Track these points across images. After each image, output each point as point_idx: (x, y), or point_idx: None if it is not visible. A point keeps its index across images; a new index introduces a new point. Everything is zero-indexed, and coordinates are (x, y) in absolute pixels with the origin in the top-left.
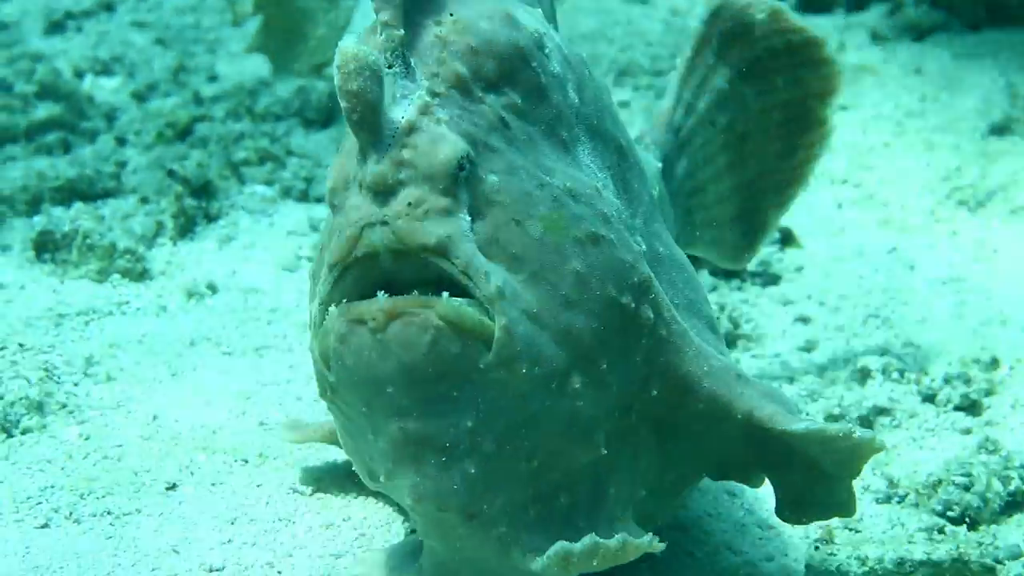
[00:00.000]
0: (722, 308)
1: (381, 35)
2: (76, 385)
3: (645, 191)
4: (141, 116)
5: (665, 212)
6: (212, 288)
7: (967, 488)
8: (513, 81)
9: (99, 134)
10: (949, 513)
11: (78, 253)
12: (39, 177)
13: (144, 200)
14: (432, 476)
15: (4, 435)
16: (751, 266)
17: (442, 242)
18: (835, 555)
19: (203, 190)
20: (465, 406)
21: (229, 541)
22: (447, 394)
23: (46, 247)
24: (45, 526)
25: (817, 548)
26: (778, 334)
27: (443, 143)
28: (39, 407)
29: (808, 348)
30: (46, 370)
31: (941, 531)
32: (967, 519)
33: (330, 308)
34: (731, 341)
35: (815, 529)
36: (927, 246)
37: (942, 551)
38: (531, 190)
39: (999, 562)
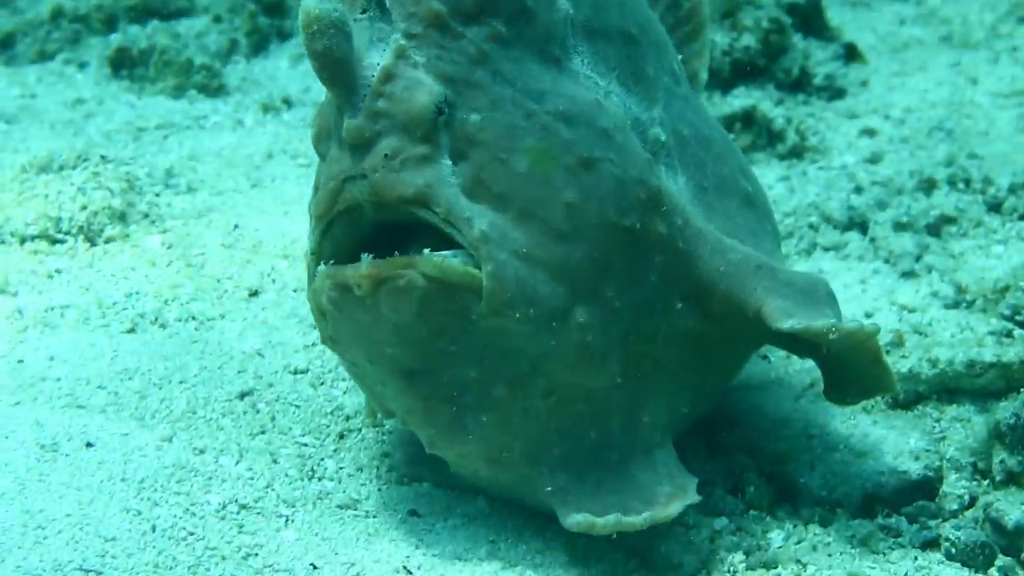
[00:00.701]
0: (789, 120)
1: None
2: (157, 196)
3: (664, 72)
4: None
5: None
6: (287, 102)
7: None
8: (495, 9)
9: None
10: (1017, 317)
11: (155, 69)
12: None
13: (217, 19)
14: (445, 427)
15: (88, 244)
16: (818, 80)
17: (420, 192)
18: (906, 358)
19: (275, 8)
20: (466, 358)
21: (312, 344)
22: (446, 349)
23: (123, 63)
24: (131, 331)
25: (888, 352)
26: (844, 147)
27: (419, 90)
28: (122, 217)
29: (874, 160)
30: (128, 181)
31: (1010, 335)
32: None
33: (319, 266)
34: (798, 153)
35: (886, 334)
36: (989, 61)
37: (1011, 353)
38: (517, 122)
39: None
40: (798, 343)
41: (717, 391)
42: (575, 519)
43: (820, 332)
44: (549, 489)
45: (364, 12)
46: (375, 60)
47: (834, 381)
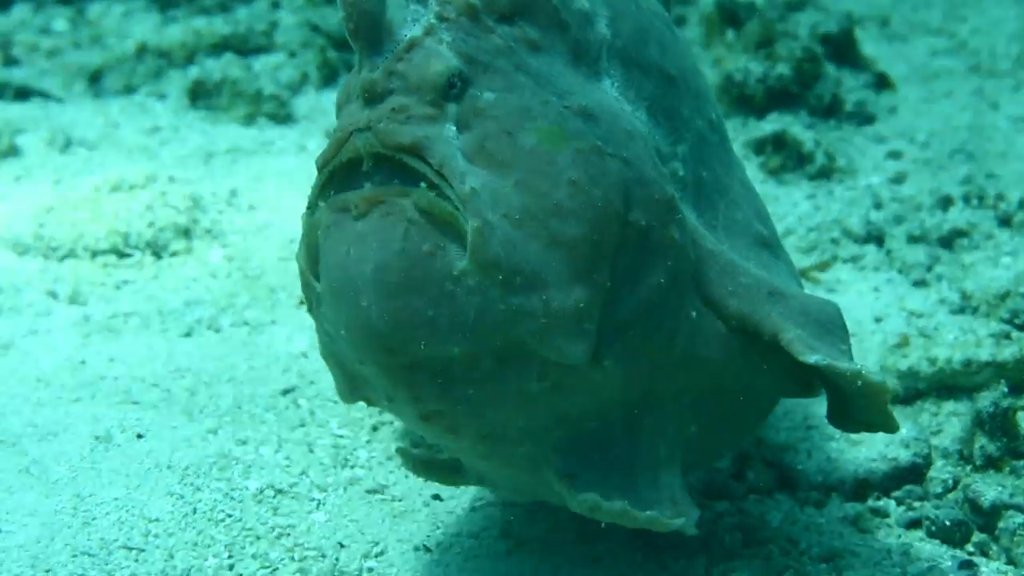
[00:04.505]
0: (818, 143)
1: None
2: (220, 213)
3: (700, 117)
4: None
5: None
6: None
7: None
8: (530, 15)
9: None
10: (1016, 321)
11: (228, 99)
12: (196, 34)
13: (292, 54)
14: (432, 400)
15: (154, 257)
16: (849, 107)
17: (417, 141)
18: (907, 357)
19: (345, 43)
20: (448, 327)
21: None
22: (424, 312)
23: (199, 95)
24: (188, 335)
25: (892, 351)
26: (870, 168)
27: (436, 59)
28: (186, 232)
29: (898, 180)
30: (193, 200)
31: (1008, 336)
32: None
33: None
34: (826, 174)
35: (893, 336)
36: (1011, 88)
37: (1006, 353)
38: (532, 106)
39: None
40: (804, 376)
41: (733, 429)
42: (583, 496)
43: (843, 374)
44: (557, 472)
45: None
46: (405, 34)
47: (839, 411)
